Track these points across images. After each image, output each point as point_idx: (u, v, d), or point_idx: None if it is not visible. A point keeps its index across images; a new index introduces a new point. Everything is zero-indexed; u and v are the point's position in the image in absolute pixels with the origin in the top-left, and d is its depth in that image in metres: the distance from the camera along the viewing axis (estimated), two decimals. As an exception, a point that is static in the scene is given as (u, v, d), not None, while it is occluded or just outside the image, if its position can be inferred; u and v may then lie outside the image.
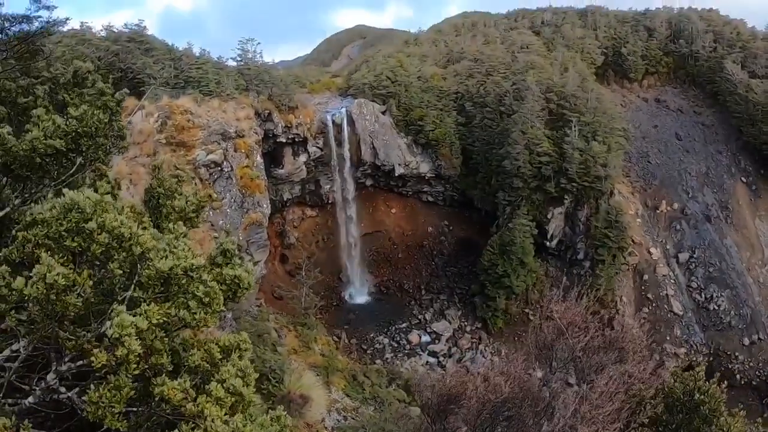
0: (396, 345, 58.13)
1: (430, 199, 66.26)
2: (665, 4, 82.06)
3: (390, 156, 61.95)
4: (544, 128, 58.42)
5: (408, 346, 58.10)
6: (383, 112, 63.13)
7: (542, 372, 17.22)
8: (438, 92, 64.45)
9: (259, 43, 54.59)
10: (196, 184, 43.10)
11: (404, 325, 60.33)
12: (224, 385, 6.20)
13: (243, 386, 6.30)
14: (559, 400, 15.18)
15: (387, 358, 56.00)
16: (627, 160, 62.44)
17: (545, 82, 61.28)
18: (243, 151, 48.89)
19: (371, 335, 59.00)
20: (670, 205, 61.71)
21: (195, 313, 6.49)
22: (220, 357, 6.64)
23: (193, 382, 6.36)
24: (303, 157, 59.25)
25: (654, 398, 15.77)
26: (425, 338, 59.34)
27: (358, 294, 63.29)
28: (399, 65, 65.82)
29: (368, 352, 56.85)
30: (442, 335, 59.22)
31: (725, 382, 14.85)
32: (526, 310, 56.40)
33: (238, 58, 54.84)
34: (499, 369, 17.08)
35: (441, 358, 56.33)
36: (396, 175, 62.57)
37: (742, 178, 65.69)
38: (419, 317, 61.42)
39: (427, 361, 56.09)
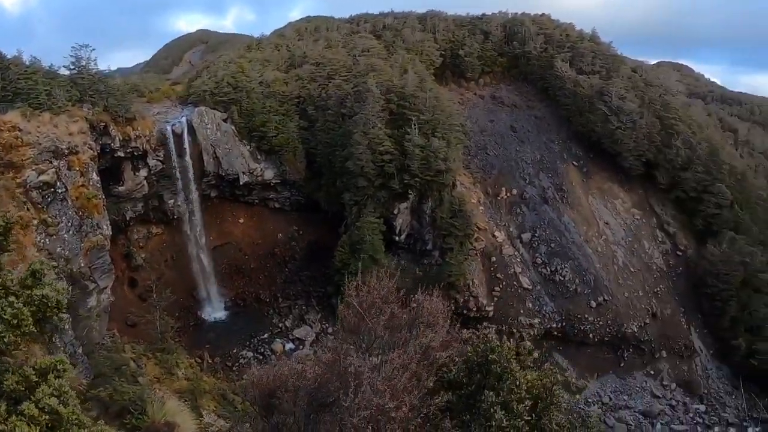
0: (261, 357, 56.28)
1: (278, 205, 65.00)
2: (500, 9, 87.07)
3: (233, 164, 60.08)
4: (386, 128, 59.16)
5: (273, 356, 56.32)
6: (225, 120, 61.18)
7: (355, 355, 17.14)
8: (280, 97, 63.59)
9: (93, 49, 49.59)
10: (28, 209, 39.20)
11: (266, 335, 58.66)
12: (38, 404, 6.15)
13: (59, 405, 6.19)
14: (361, 378, 14.99)
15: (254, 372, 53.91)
16: (467, 153, 65.16)
17: (385, 83, 62.34)
18: (77, 168, 44.56)
19: (234, 351, 56.74)
20: (509, 192, 65.05)
21: (4, 337, 6.47)
22: (36, 379, 6.57)
23: (8, 405, 6.26)
24: (144, 172, 55.76)
25: (455, 364, 15.67)
26: (289, 345, 58.03)
27: (215, 310, 60.74)
28: (240, 71, 64.28)
29: (234, 368, 54.49)
30: (305, 340, 58.15)
31: (514, 339, 15.25)
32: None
33: (71, 67, 49.78)
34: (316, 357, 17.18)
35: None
36: (241, 183, 60.73)
37: (574, 162, 70.71)
38: (280, 325, 59.97)
39: (295, 369, 54.71)
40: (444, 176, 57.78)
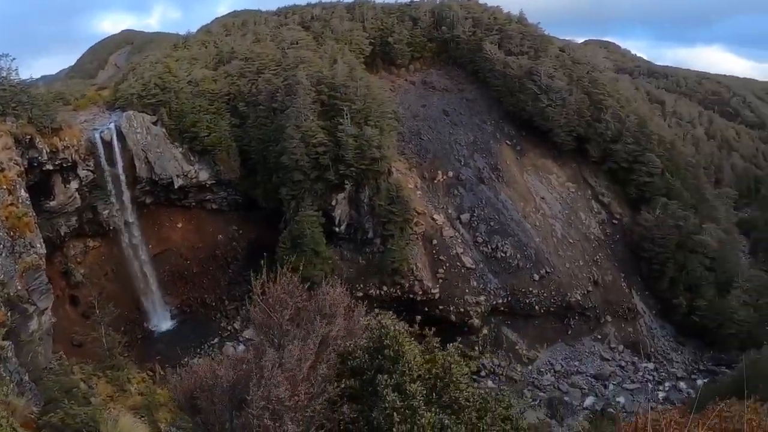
0: (214, 363, 55.56)
1: (215, 206, 64.04)
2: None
3: (167, 168, 58.85)
4: (318, 120, 58.89)
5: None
6: (155, 123, 59.79)
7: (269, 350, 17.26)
8: (210, 96, 62.47)
9: (14, 59, 47.31)
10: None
11: (216, 340, 58.04)
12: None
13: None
14: (262, 372, 15.09)
15: (208, 379, 53.27)
16: (400, 139, 65.53)
17: (316, 75, 61.99)
18: (5, 187, 42.47)
19: (185, 359, 55.67)
20: (445, 174, 65.72)
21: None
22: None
23: None
24: (75, 184, 53.95)
25: (359, 351, 15.79)
26: (240, 347, 57.29)
27: (162, 320, 59.66)
28: (168, 71, 62.80)
29: (187, 377, 53.66)
30: (255, 341, 57.42)
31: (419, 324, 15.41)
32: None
33: (-9, 78, 47.84)
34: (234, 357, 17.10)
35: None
36: (176, 187, 59.54)
37: (507, 141, 71.96)
38: (229, 328, 59.36)
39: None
40: (379, 164, 57.96)
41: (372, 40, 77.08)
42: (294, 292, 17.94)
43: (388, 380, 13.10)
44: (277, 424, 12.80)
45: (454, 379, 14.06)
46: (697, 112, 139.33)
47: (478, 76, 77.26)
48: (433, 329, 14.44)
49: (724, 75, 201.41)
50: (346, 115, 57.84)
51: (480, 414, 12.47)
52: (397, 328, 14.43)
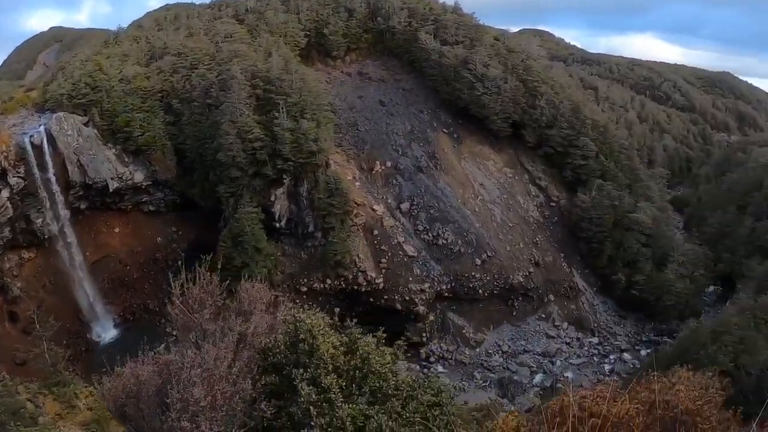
0: (161, 370, 54.42)
1: (152, 208, 62.55)
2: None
3: (100, 171, 57.13)
4: (254, 115, 58.16)
5: (171, 368, 54.55)
6: (86, 124, 57.95)
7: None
8: (143, 93, 60.91)
9: None
10: None
11: (161, 345, 56.38)
12: None
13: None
14: (180, 374, 14.97)
15: (157, 387, 52.14)
16: (338, 131, 65.22)
17: (250, 69, 61.07)
18: None
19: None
20: (383, 164, 66.07)
21: None
22: None
23: None
24: (5, 192, 51.75)
25: (279, 347, 15.80)
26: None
27: (105, 330, 57.92)
28: (98, 69, 60.74)
29: (135, 387, 52.31)
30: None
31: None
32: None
33: None
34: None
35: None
36: (111, 190, 57.86)
37: (444, 130, 72.81)
38: (174, 333, 57.86)
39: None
40: (317, 157, 57.80)
41: (307, 32, 76.33)
42: (214, 292, 17.91)
43: (303, 374, 13.25)
44: (194, 426, 12.78)
45: (374, 369, 14.31)
46: (630, 97, 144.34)
47: (414, 66, 77.62)
48: (355, 321, 14.64)
49: (656, 61, 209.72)
50: (282, 108, 57.35)
51: (405, 402, 12.61)
52: (311, 321, 14.59)
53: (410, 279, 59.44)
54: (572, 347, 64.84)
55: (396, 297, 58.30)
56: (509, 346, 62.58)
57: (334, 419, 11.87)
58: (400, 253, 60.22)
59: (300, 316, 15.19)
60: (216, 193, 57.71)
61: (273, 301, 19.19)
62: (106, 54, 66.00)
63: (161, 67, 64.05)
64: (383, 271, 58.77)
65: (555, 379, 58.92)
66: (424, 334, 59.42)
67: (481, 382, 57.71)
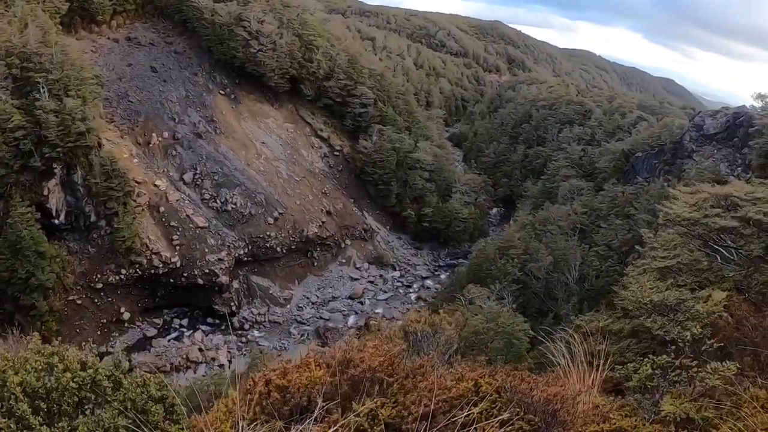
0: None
1: None
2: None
3: None
4: (12, 99, 51.04)
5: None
6: None
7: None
8: None
9: None
10: None
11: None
12: None
13: None
14: None
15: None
16: (108, 106, 60.70)
17: (4, 45, 52.95)
18: None
19: None
20: (160, 136, 63.24)
21: None
22: None
23: None
24: None
25: None
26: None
27: None
28: None
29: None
30: None
31: None
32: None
33: None
34: None
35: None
36: None
37: (221, 91, 71.42)
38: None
39: None
40: (87, 138, 52.91)
41: (68, -3, 68.18)
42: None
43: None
44: None
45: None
46: (406, 46, 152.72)
47: (186, 27, 74.03)
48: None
49: (431, 12, 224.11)
50: (43, 87, 51.47)
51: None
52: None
53: (206, 251, 58.26)
54: (377, 285, 69.08)
55: (196, 272, 56.88)
56: (317, 297, 64.71)
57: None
58: (191, 225, 58.53)
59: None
60: (-24, 199, 50.67)
61: None
62: None
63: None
64: (177, 248, 56.76)
65: (367, 316, 62.56)
66: (232, 303, 58.86)
67: (299, 336, 59.11)
